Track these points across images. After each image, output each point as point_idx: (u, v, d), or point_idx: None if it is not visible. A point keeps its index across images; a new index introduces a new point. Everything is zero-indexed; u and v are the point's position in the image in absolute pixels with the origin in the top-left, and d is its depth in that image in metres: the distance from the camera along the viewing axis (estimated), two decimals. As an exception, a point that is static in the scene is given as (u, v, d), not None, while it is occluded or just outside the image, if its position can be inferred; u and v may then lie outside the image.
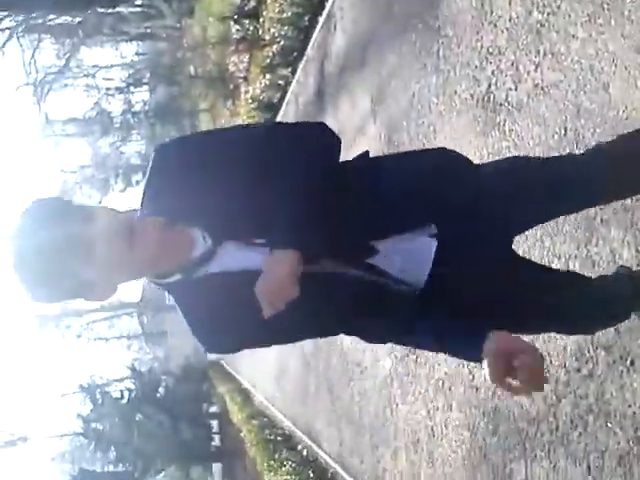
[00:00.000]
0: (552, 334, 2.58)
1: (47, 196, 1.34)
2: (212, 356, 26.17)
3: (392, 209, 1.42)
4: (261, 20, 10.13)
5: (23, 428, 30.31)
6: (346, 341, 5.70)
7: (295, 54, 8.41)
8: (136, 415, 17.05)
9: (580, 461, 2.45)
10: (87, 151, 35.47)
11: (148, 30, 23.51)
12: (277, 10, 8.55)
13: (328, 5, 6.73)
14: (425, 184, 1.45)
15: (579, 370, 2.42)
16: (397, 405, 4.44)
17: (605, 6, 2.23)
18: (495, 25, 2.98)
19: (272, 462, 8.42)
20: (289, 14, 8.08)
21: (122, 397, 18.19)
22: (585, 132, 2.30)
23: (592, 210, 2.24)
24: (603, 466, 2.33)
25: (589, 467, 2.40)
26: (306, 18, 7.71)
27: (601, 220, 2.20)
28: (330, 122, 5.41)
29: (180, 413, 16.55)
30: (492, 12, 3.01)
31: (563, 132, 2.43)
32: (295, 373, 8.16)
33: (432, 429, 3.84)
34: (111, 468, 19.27)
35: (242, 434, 11.84)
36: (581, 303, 1.66)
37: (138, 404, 17.34)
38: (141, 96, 30.27)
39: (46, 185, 33.85)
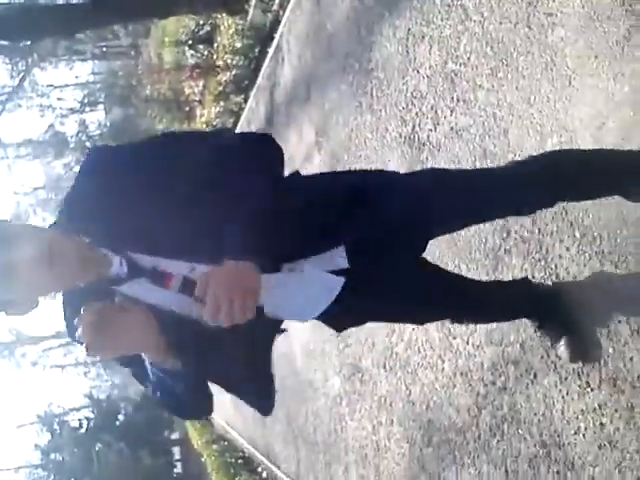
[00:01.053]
0: (473, 351, 2.86)
1: None
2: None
3: (301, 230, 1.44)
4: (215, 46, 10.42)
5: (-22, 462, 29.36)
6: (298, 362, 5.92)
7: (247, 82, 8.70)
8: (95, 444, 16.81)
9: (499, 466, 2.71)
10: (41, 173, 35.08)
11: (104, 49, 23.54)
12: (229, 40, 8.85)
13: (276, 38, 7.03)
14: (337, 201, 1.51)
15: (494, 383, 2.69)
16: (346, 422, 4.66)
17: (504, 62, 2.54)
18: (418, 71, 3.28)
19: (232, 485, 8.55)
20: (240, 45, 8.39)
21: (80, 426, 17.94)
22: (491, 171, 2.60)
23: (497, 242, 2.54)
24: (518, 469, 2.59)
25: (507, 471, 2.67)
26: (256, 49, 8.01)
27: (504, 250, 2.50)
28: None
29: (140, 441, 16.40)
30: (415, 59, 3.32)
31: (474, 171, 2.73)
32: (253, 396, 8.31)
33: (377, 443, 4.07)
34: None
35: (203, 459, 11.89)
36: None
37: (97, 433, 17.11)
38: (96, 116, 30.11)
39: (-1, 208, 33.08)
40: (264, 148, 1.45)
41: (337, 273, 1.50)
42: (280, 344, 5.24)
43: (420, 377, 3.40)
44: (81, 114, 28.97)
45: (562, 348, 2.20)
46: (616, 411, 2.03)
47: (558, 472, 2.34)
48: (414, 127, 3.31)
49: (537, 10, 2.33)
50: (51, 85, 28.75)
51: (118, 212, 1.34)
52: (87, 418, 18.88)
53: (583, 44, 2.10)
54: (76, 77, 32.16)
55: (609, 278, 2.06)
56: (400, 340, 3.64)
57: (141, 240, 1.36)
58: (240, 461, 9.24)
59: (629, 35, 1.90)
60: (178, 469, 18.93)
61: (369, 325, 4.03)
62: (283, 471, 6.84)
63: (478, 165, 2.69)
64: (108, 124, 28.87)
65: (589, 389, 2.14)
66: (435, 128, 3.09)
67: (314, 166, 5.22)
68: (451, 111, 2.94)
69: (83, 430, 17.99)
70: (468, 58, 2.80)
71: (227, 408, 10.79)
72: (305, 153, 5.60)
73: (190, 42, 12.07)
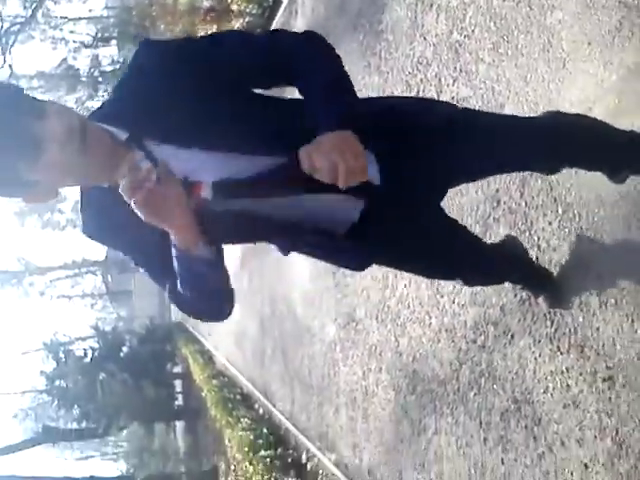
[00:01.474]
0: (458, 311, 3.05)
1: None
2: (177, 317, 26.52)
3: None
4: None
5: (-15, 385, 30.35)
6: (298, 308, 6.15)
7: (259, 30, 8.69)
8: (100, 374, 17.28)
9: (474, 417, 2.94)
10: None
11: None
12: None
13: (292, -13, 7.02)
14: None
15: (475, 341, 2.89)
16: (339, 367, 4.91)
17: (505, 38, 2.64)
18: (425, 38, 3.37)
19: (230, 419, 8.92)
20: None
21: (85, 356, 18.41)
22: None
23: (487, 210, 2.69)
24: (491, 421, 2.81)
25: (481, 422, 2.89)
26: (271, -1, 7.99)
27: (494, 219, 2.65)
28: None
29: (144, 372, 16.84)
30: (423, 25, 3.39)
31: (471, 141, 2.86)
32: (253, 337, 8.60)
33: (366, 389, 4.32)
34: (74, 425, 19.51)
35: (203, 393, 12.33)
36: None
37: (101, 363, 17.53)
38: (109, 52, 29.82)
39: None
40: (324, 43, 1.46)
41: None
42: (282, 290, 5.50)
43: (409, 330, 3.60)
44: (94, 49, 28.67)
45: (541, 298, 2.40)
46: (581, 375, 2.22)
47: (526, 426, 2.55)
48: (418, 93, 3.42)
49: (539, -9, 2.42)
50: (65, 17, 28.40)
51: (167, 107, 1.30)
52: (92, 348, 19.31)
53: (578, 29, 2.20)
54: (89, 10, 31.69)
55: (584, 253, 2.22)
56: (392, 295, 3.84)
57: (190, 134, 1.31)
58: (238, 397, 9.60)
59: (620, 26, 2.00)
60: (179, 401, 19.52)
61: (365, 279, 4.23)
62: (278, 409, 7.17)
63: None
64: (120, 60, 28.61)
65: (559, 353, 2.33)
66: (438, 96, 3.20)
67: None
68: (453, 80, 3.04)
69: (88, 359, 18.42)
70: (472, 30, 2.88)
71: (228, 345, 11.16)
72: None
73: (205, -17, 11.97)
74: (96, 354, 18.22)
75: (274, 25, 7.80)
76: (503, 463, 2.72)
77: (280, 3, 7.40)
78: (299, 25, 6.51)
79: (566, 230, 2.30)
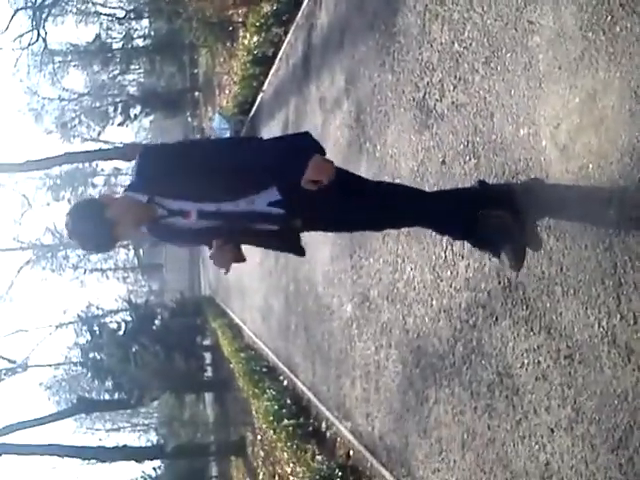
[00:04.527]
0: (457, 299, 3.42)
1: (82, 201, 2.65)
2: (206, 291, 27.14)
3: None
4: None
5: (21, 356, 31.53)
6: (320, 287, 6.56)
7: (287, 16, 9.00)
8: (133, 346, 17.84)
9: (467, 388, 3.32)
10: (85, 81, 35.61)
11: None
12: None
13: (316, -21, 7.31)
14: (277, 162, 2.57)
15: (467, 321, 3.27)
16: (355, 343, 5.31)
17: (496, 54, 2.96)
18: (431, 45, 3.69)
19: (256, 390, 9.42)
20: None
21: (119, 329, 19.07)
22: (478, 147, 3.08)
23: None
24: (480, 391, 3.20)
25: (472, 392, 3.28)
26: (299, -14, 8.29)
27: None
28: (313, 91, 6.16)
29: (175, 345, 17.39)
30: (430, 33, 3.72)
31: (466, 143, 3.21)
32: (279, 312, 9.05)
33: (378, 363, 4.72)
34: (107, 397, 20.22)
35: (231, 366, 12.88)
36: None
37: (134, 335, 18.12)
38: (141, 27, 30.21)
39: (44, 112, 33.78)
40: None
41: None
42: (305, 270, 5.95)
43: (414, 310, 3.99)
44: (127, 23, 28.99)
45: (503, 255, 2.82)
46: (548, 352, 2.59)
47: (507, 396, 2.93)
48: (425, 95, 3.75)
49: (523, 16, 2.73)
50: (97, -11, 28.75)
51: (165, 180, 2.53)
52: (125, 321, 19.89)
53: (552, 54, 2.53)
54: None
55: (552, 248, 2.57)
56: (401, 277, 4.21)
57: (177, 194, 2.56)
58: (264, 369, 10.09)
59: (582, 56, 2.33)
60: (208, 373, 20.16)
61: (378, 262, 4.60)
62: (301, 380, 7.62)
63: (470, 139, 3.17)
64: (152, 34, 28.95)
65: (532, 333, 2.70)
66: (441, 99, 3.54)
67: (343, 112, 5.67)
68: (454, 87, 3.38)
69: (121, 332, 19.00)
70: (470, 44, 3.21)
71: (255, 320, 11.65)
72: (335, 97, 6.03)
73: (237, -35, 12.28)
74: (129, 327, 18.83)
75: (300, 14, 8.11)
76: (489, 429, 3.11)
77: (306, -8, 7.72)
78: (323, 17, 6.83)
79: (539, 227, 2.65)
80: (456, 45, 3.36)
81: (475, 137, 3.12)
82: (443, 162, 3.48)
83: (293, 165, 2.48)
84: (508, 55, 2.85)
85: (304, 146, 2.54)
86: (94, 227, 2.38)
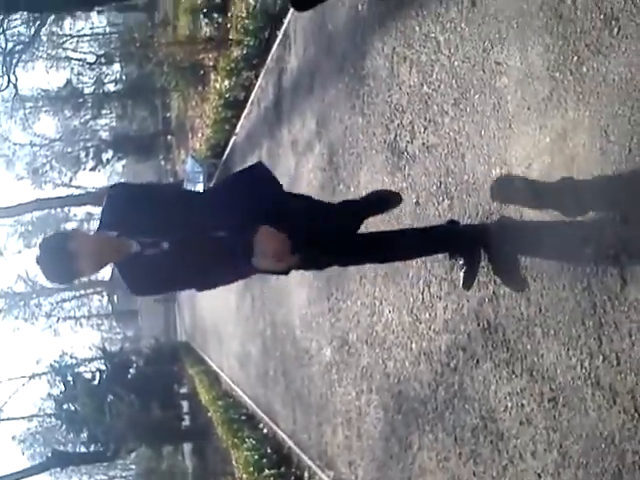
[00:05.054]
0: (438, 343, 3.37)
1: (53, 232, 2.67)
2: (183, 338, 26.73)
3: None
4: (229, 15, 10.77)
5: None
6: (297, 331, 6.46)
7: (257, 60, 9.09)
8: (107, 396, 17.48)
9: (450, 433, 3.24)
10: (57, 126, 35.51)
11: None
12: (242, 15, 9.21)
13: (285, 24, 7.40)
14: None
15: (448, 365, 3.20)
16: (335, 388, 5.20)
17: (464, 96, 2.97)
18: (400, 87, 3.71)
19: (235, 440, 9.19)
20: (251, 27, 8.75)
21: (93, 378, 18.67)
22: (451, 188, 3.07)
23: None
24: (464, 437, 3.12)
25: (455, 438, 3.19)
26: (266, 32, 8.37)
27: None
28: (285, 134, 6.14)
29: (151, 394, 17.07)
30: (398, 76, 3.73)
31: (438, 184, 3.19)
32: (256, 358, 8.89)
33: (359, 408, 4.62)
34: (83, 449, 19.66)
35: (209, 414, 12.59)
36: None
37: (109, 385, 17.76)
38: (112, 72, 30.35)
39: (15, 158, 33.55)
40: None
41: None
42: (282, 314, 5.86)
43: (394, 354, 3.91)
44: (98, 67, 29.09)
45: (461, 274, 2.94)
46: (531, 395, 2.53)
47: (492, 442, 2.86)
48: (396, 136, 3.75)
49: (490, 57, 2.75)
50: (68, 35, 28.90)
51: (135, 217, 2.52)
52: (100, 370, 19.50)
53: (520, 95, 2.53)
54: (91, 28, 32.16)
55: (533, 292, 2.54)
56: (379, 320, 4.15)
57: (147, 231, 2.53)
58: (243, 417, 9.88)
59: (551, 96, 2.33)
60: (186, 422, 19.73)
61: (355, 304, 4.54)
62: (282, 428, 7.45)
63: (442, 180, 3.16)
64: (124, 79, 29.07)
65: (514, 376, 2.64)
66: (412, 141, 3.54)
67: (315, 154, 5.67)
68: (424, 129, 3.38)
69: (96, 382, 18.62)
70: (438, 86, 3.22)
71: (233, 366, 11.45)
72: (307, 140, 6.04)
73: (205, 10, 12.46)
74: (104, 376, 18.43)
75: (270, 57, 8.18)
76: (475, 475, 3.02)
77: (275, 36, 7.78)
78: (292, 62, 6.89)
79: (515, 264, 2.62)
80: (425, 87, 3.37)
81: (447, 178, 3.10)
82: (417, 203, 3.46)
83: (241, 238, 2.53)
84: (477, 96, 2.86)
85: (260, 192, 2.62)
86: (56, 257, 2.38)
